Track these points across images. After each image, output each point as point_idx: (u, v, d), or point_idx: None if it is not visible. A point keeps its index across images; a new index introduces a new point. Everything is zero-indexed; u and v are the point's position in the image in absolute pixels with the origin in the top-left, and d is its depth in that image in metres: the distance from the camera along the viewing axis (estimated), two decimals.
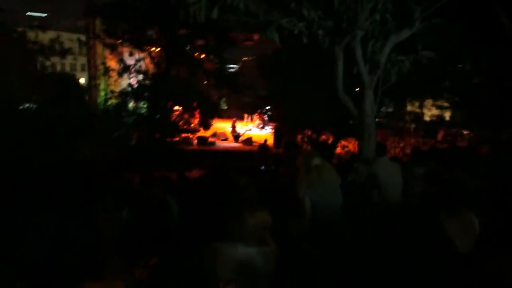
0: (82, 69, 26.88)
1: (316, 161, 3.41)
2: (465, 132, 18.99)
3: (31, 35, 15.77)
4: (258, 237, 2.20)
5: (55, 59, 15.85)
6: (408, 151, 15.62)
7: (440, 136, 19.82)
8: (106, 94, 15.45)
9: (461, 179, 2.92)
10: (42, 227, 3.04)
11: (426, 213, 2.28)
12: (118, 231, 3.59)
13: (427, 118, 22.88)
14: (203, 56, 16.84)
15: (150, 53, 15.69)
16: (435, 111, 21.99)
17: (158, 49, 15.97)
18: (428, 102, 19.90)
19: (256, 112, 28.17)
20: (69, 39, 17.49)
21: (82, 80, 23.03)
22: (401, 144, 16.91)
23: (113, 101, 14.43)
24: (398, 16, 4.53)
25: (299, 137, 15.74)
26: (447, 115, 23.57)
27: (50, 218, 3.10)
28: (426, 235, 1.86)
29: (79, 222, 3.21)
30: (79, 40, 17.79)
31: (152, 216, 3.88)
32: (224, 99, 22.82)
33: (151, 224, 3.76)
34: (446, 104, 18.70)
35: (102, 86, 16.52)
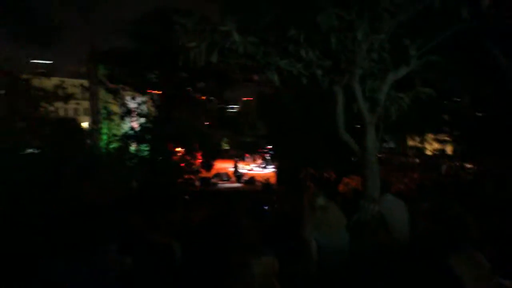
0: (85, 113, 27.18)
1: (321, 201, 3.37)
2: (468, 166, 18.91)
3: (35, 81, 16.07)
4: (265, 283, 2.13)
5: (59, 104, 16.07)
6: (412, 186, 15.50)
7: (443, 170, 19.72)
8: (108, 138, 15.55)
9: (461, 215, 2.87)
10: (44, 271, 2.98)
11: (432, 253, 2.22)
12: (120, 276, 3.51)
13: (429, 153, 22.86)
14: (203, 97, 17.07)
15: (151, 96, 15.92)
16: (436, 145, 22.01)
17: (159, 92, 16.21)
18: (429, 136, 19.96)
19: (258, 152, 28.25)
20: (72, 84, 17.82)
21: (85, 124, 23.26)
22: (405, 180, 16.79)
23: (115, 144, 14.51)
24: (395, 54, 4.60)
25: (301, 175, 15.67)
26: (449, 149, 23.56)
27: (52, 263, 3.04)
28: (433, 276, 1.80)
29: (81, 267, 3.15)
30: (82, 86, 18.13)
31: (155, 261, 3.80)
32: (225, 139, 22.94)
33: (155, 270, 3.67)
34: (447, 138, 18.75)
35: (104, 129, 16.66)
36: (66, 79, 19.49)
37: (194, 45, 3.90)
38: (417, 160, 20.39)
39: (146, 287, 3.34)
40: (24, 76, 15.58)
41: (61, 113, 19.47)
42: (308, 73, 4.37)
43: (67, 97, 16.25)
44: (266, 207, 9.51)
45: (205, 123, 17.25)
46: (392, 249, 3.12)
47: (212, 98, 16.95)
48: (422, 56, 4.60)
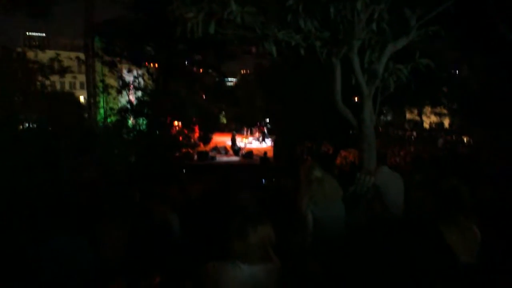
0: (82, 87, 27.00)
1: (317, 173, 3.38)
2: (465, 139, 19.00)
3: (30, 54, 15.89)
4: (261, 253, 2.16)
5: (55, 78, 15.95)
6: (408, 159, 15.59)
7: (440, 143, 19.81)
8: (105, 112, 15.50)
9: (457, 187, 2.89)
10: (45, 250, 3.02)
11: (426, 223, 2.25)
12: (121, 250, 3.56)
13: (426, 126, 22.90)
14: (201, 70, 16.94)
15: (148, 69, 15.78)
16: (434, 119, 22.02)
17: (156, 65, 16.06)
18: (427, 109, 19.95)
19: (255, 125, 28.22)
20: (68, 57, 17.62)
21: (81, 98, 23.12)
22: (402, 153, 16.88)
23: (112, 118, 14.47)
24: (395, 25, 4.53)
25: (299, 149, 15.73)
26: (446, 122, 23.59)
27: (52, 241, 3.08)
28: (427, 246, 1.83)
29: (82, 244, 3.19)
30: (78, 58, 17.92)
31: (154, 234, 3.84)
32: (223, 113, 22.88)
33: (153, 242, 3.72)
34: (444, 111, 18.74)
35: (101, 103, 16.58)
36: (61, 52, 19.30)
37: (192, 15, 3.83)
38: (414, 134, 20.43)
39: (145, 261, 3.39)
40: (19, 49, 15.41)
41: (58, 87, 19.35)
42: (306, 45, 4.31)
43: (63, 71, 16.13)
44: (264, 181, 9.60)
45: (203, 96, 17.17)
46: (387, 221, 3.16)
47: (210, 70, 16.80)
48: (422, 27, 4.53)
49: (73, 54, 19.14)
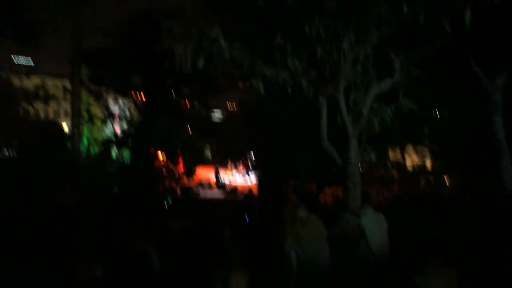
0: (66, 115, 26.76)
1: (302, 213, 3.33)
2: (446, 180, 19.19)
3: (15, 80, 15.76)
4: None
5: (39, 105, 15.79)
6: (391, 198, 15.63)
7: (422, 183, 19.94)
8: (89, 142, 15.29)
9: (435, 232, 2.89)
10: (18, 284, 2.87)
11: (405, 268, 2.23)
12: (96, 286, 3.40)
13: (409, 165, 23.13)
14: (188, 103, 16.95)
15: (134, 100, 15.72)
16: (416, 158, 22.28)
17: (143, 95, 16.03)
18: (409, 149, 20.22)
19: (240, 160, 28.15)
20: (54, 85, 17.53)
21: (65, 126, 22.83)
22: (385, 192, 16.93)
23: (96, 148, 14.27)
24: (380, 67, 4.64)
25: (283, 185, 15.64)
26: (428, 162, 23.90)
27: (26, 275, 2.93)
28: None
29: (54, 279, 3.04)
30: (64, 87, 17.83)
31: (132, 268, 3.70)
32: (208, 146, 22.83)
33: (131, 277, 3.58)
34: (426, 151, 19.02)
35: (85, 133, 16.38)
36: (47, 79, 19.21)
37: (181, 49, 3.86)
38: (396, 173, 20.59)
39: None
40: (3, 74, 15.27)
41: (42, 114, 19.13)
42: (293, 82, 4.37)
43: (48, 98, 15.97)
44: (248, 218, 9.45)
45: (189, 129, 17.13)
46: (369, 263, 3.11)
47: (196, 103, 16.83)
48: (405, 70, 4.65)
49: (59, 82, 19.07)
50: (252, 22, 4.49)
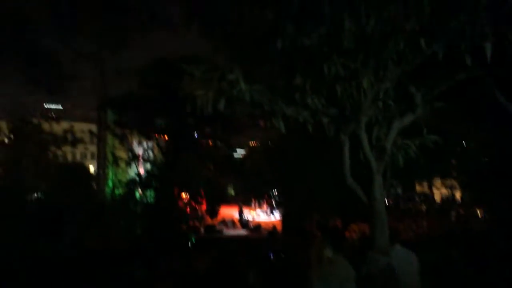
0: (92, 157, 27.41)
1: (328, 252, 3.25)
2: (478, 211, 18.54)
3: (45, 126, 16.39)
4: None
5: (67, 148, 16.30)
6: (421, 234, 15.13)
7: (453, 216, 19.30)
8: (114, 183, 15.54)
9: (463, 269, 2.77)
10: None
11: None
12: None
13: (437, 198, 22.51)
14: (210, 142, 17.13)
15: (158, 141, 16.02)
16: (444, 191, 21.69)
17: (166, 137, 16.32)
18: (437, 181, 19.74)
19: (263, 197, 27.94)
20: (81, 129, 18.13)
21: (91, 168, 23.34)
22: (414, 227, 16.43)
23: (120, 190, 14.47)
24: (401, 102, 4.61)
25: (308, 222, 15.39)
26: (458, 194, 23.22)
27: None
28: None
29: None
30: (90, 131, 18.42)
31: None
32: (231, 185, 22.80)
33: None
34: (455, 183, 18.52)
35: (110, 175, 16.69)
36: (75, 124, 19.87)
37: (202, 93, 3.93)
38: (424, 207, 20.03)
39: None
40: (35, 121, 15.92)
41: (69, 157, 19.68)
42: (314, 121, 4.37)
43: (76, 142, 16.53)
44: (272, 256, 9.28)
45: (211, 169, 17.22)
46: None
47: (218, 143, 17.00)
48: (427, 104, 4.60)
49: (86, 126, 19.69)
50: (271, 62, 4.57)
